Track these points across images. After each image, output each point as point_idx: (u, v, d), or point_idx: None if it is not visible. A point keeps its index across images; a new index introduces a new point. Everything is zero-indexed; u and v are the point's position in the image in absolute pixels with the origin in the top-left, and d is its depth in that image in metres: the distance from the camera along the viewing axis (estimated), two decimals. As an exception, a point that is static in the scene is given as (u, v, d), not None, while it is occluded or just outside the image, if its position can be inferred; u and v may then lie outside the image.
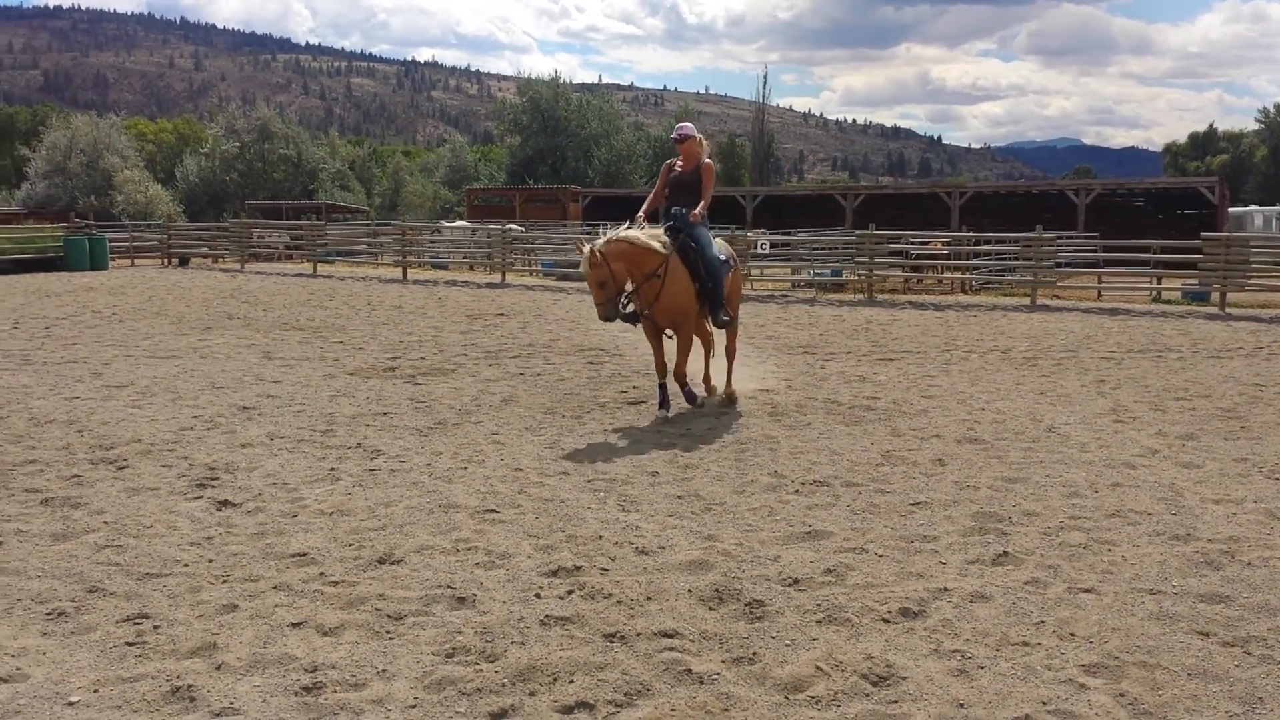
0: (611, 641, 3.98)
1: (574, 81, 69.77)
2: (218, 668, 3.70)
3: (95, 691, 3.51)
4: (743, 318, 17.23)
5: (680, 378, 8.62)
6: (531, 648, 3.90)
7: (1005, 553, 5.01)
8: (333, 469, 6.71)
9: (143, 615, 4.18)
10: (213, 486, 6.24)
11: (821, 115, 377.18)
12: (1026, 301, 19.95)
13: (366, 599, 4.38)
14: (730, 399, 9.02)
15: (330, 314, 17.18)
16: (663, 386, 8.63)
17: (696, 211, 8.55)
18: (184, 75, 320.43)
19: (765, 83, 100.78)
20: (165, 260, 33.04)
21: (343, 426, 8.05)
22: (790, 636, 4.03)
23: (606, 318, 8.35)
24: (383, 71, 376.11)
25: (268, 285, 24.11)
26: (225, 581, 4.59)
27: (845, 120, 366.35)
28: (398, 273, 27.75)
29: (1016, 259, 22.83)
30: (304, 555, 4.96)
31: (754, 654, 3.87)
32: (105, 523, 5.46)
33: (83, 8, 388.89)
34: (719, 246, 8.95)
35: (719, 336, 9.28)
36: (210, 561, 4.85)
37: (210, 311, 17.29)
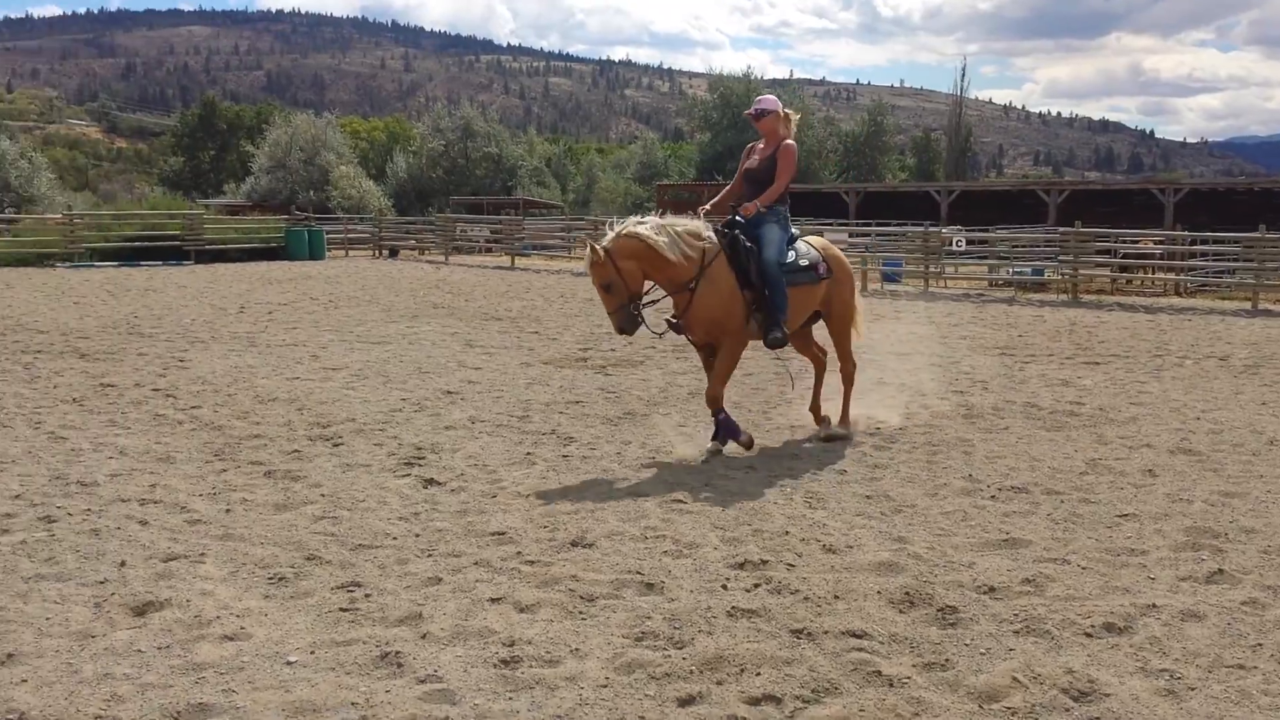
0: (799, 637, 3.97)
1: (765, 77, 69.46)
2: (423, 636, 3.90)
3: (311, 653, 3.76)
4: (936, 316, 16.80)
5: (713, 401, 6.97)
6: (719, 638, 3.94)
7: (1220, 570, 4.71)
8: (529, 453, 6.94)
9: (355, 584, 4.45)
10: (419, 465, 6.57)
11: (1023, 108, 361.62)
12: (1247, 306, 18.61)
13: (560, 579, 4.53)
14: (839, 434, 7.49)
15: (526, 305, 17.75)
16: (719, 416, 7.01)
17: (753, 204, 7.10)
18: (394, 76, 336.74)
19: (964, 75, 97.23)
20: (376, 252, 34.91)
21: (538, 413, 8.31)
22: (985, 645, 3.92)
23: (621, 329, 6.85)
24: (579, 70, 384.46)
25: (469, 277, 25.12)
26: (430, 556, 4.83)
27: (1049, 113, 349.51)
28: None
29: (1237, 260, 21.30)
30: (502, 534, 5.16)
31: (946, 660, 3.78)
32: (322, 495, 5.84)
33: (303, 12, 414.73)
34: (808, 248, 7.44)
35: (831, 356, 7.93)
36: (416, 536, 5.12)
37: (417, 301, 18.17)
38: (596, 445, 7.21)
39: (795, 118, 7.55)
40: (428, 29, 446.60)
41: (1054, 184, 44.33)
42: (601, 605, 4.24)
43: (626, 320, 6.81)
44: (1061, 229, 23.26)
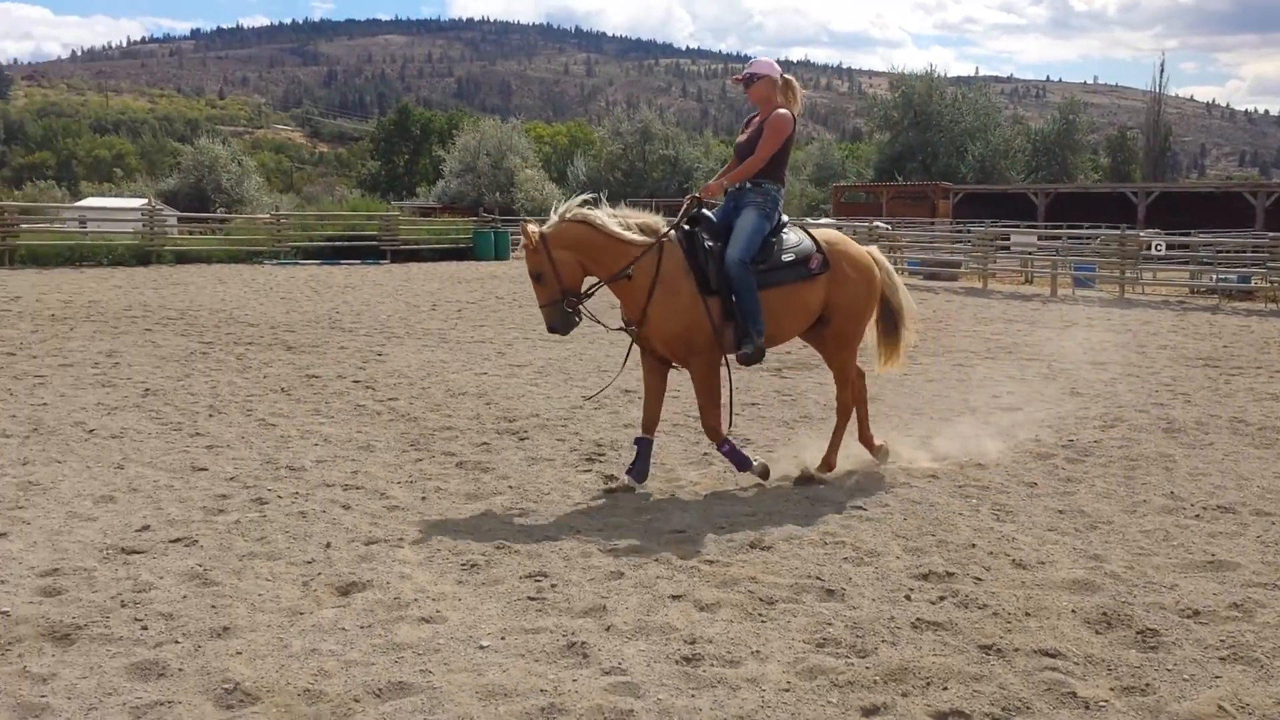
0: (987, 653, 3.86)
1: (948, 75, 67.48)
2: (607, 629, 3.99)
3: (502, 639, 3.90)
4: (1131, 324, 15.93)
5: (711, 434, 6.20)
6: (903, 649, 3.87)
7: None
8: (705, 454, 6.98)
9: (542, 573, 4.58)
10: (600, 462, 6.71)
11: (1227, 106, 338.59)
12: None
13: (739, 580, 4.54)
14: (815, 477, 6.27)
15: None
16: (641, 441, 6.17)
17: (716, 182, 6.24)
18: (576, 81, 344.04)
19: (1162, 71, 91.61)
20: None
21: (715, 415, 8.34)
22: (1189, 671, 3.71)
23: (551, 327, 6.14)
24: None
25: (644, 277, 25.41)
26: (612, 551, 4.93)
27: (1255, 111, 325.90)
28: (765, 268, 28.22)
29: None
30: (681, 533, 5.22)
31: (1147, 685, 3.60)
32: (510, 487, 6.04)
33: (492, 20, 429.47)
34: (798, 238, 6.22)
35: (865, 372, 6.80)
36: (599, 530, 5.23)
37: (597, 300, 18.49)
38: (772, 447, 7.18)
39: (798, 87, 6.34)
40: (609, 34, 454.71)
41: (1261, 186, 41.43)
42: (781, 609, 4.23)
43: (558, 318, 6.06)
44: (1270, 234, 21.71)
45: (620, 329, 6.33)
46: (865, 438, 6.68)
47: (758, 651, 3.81)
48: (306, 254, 29.23)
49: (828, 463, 6.45)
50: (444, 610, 4.17)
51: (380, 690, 3.47)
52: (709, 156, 66.27)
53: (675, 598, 4.33)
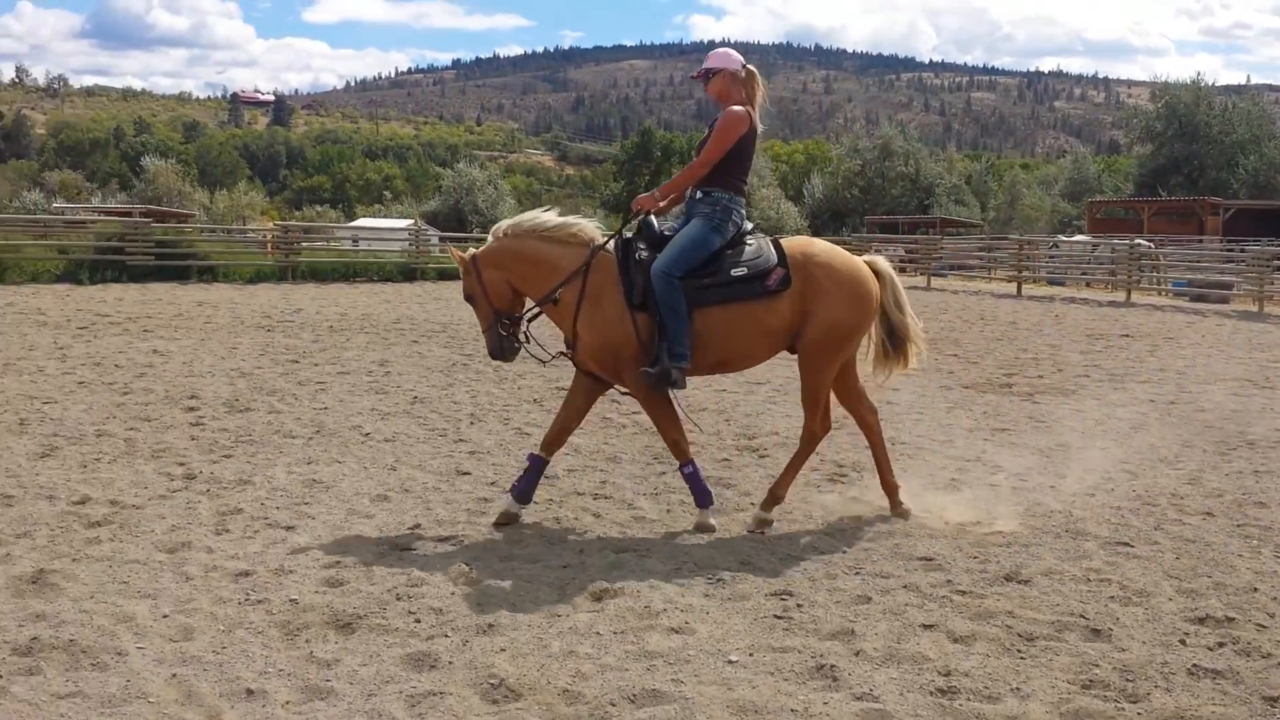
0: (1273, 706, 3.55)
1: (1217, 84, 62.48)
2: (856, 654, 3.94)
3: (750, 655, 3.93)
4: None
5: (672, 447, 5.77)
6: (1178, 695, 3.62)
7: None
8: (953, 479, 6.77)
9: (787, 592, 4.58)
10: (842, 482, 6.64)
11: None
12: None
13: (995, 614, 4.38)
14: (761, 519, 5.64)
15: (944, 326, 17.29)
16: (534, 458, 5.70)
17: (648, 195, 5.72)
18: (814, 99, 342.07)
19: None
20: (790, 270, 35.65)
21: (961, 439, 8.08)
22: None
23: (490, 353, 5.84)
24: (1003, 84, 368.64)
25: (883, 297, 24.94)
26: (858, 574, 4.87)
27: None
28: (1011, 288, 27.09)
29: None
30: (931, 560, 5.08)
31: None
32: (751, 504, 6.06)
33: (732, 42, 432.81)
34: (760, 248, 5.59)
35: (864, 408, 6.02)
36: (844, 552, 5.18)
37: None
38: (1027, 476, 6.88)
39: (760, 80, 5.75)
40: (849, 50, 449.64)
41: None
42: (1042, 646, 4.04)
43: (495, 343, 5.75)
44: None
45: (562, 354, 5.85)
46: (887, 484, 5.92)
47: (1018, 689, 3.66)
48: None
49: (774, 495, 5.74)
50: (692, 622, 4.24)
51: (635, 696, 3.56)
52: (951, 172, 64.24)
53: (927, 627, 4.22)
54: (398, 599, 4.42)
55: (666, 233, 5.63)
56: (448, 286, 25.73)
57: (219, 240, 32.60)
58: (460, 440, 7.75)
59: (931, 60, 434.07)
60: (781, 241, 5.72)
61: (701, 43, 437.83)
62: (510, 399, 9.52)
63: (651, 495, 6.26)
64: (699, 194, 5.64)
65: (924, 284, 29.38)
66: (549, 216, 5.74)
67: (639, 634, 4.10)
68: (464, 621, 4.19)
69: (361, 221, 53.09)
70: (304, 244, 29.22)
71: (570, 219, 5.79)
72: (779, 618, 4.29)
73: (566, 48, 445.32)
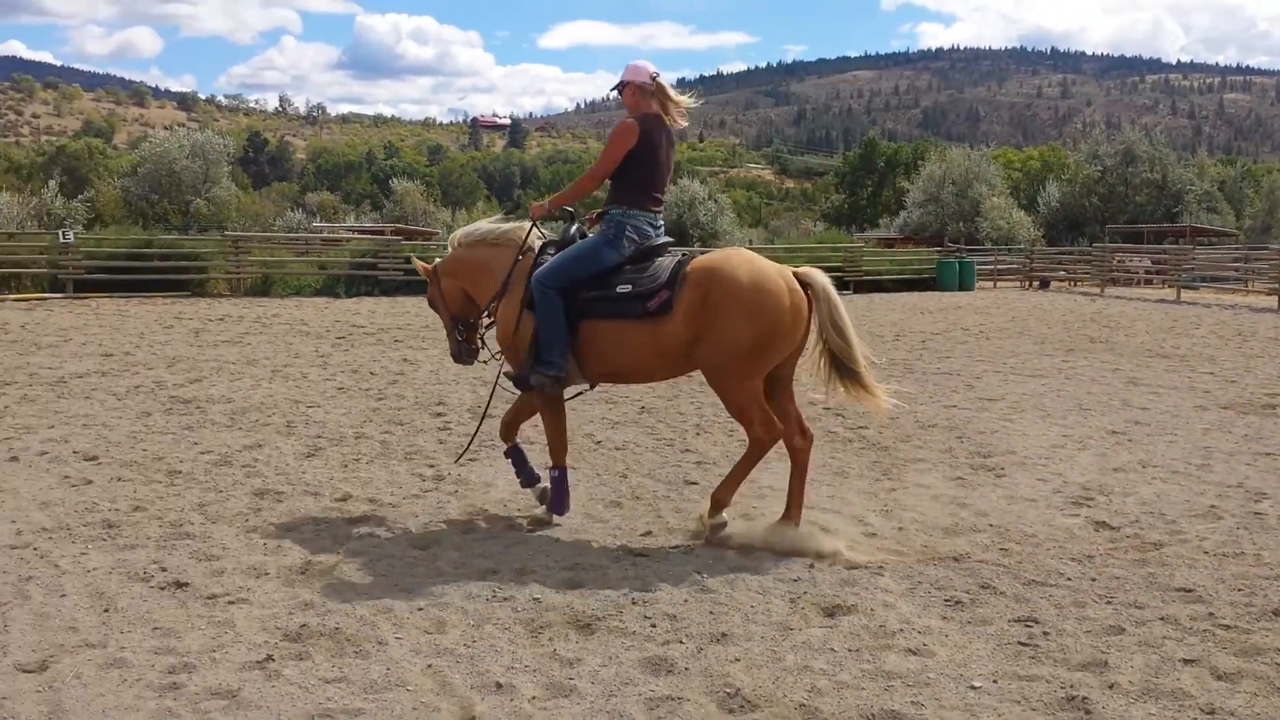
0: None
1: None
2: (1110, 686, 3.73)
3: (994, 682, 3.78)
4: None
5: (552, 453, 5.84)
6: None
7: None
8: (1213, 506, 6.29)
9: (1032, 619, 4.39)
10: (1088, 506, 6.29)
11: None
12: None
13: (1263, 650, 4.04)
14: (709, 523, 5.52)
15: (1197, 342, 16.12)
16: (511, 451, 6.02)
17: (541, 204, 5.84)
18: (1050, 104, 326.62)
19: None
20: (1026, 283, 34.11)
21: (1220, 462, 7.50)
22: None
23: (452, 356, 6.29)
24: (1260, 84, 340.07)
25: (1127, 310, 23.48)
26: (1109, 603, 4.60)
27: None
28: (1271, 301, 24.93)
29: None
30: (1189, 591, 4.74)
31: None
32: (990, 525, 5.84)
33: (961, 48, 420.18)
34: (663, 266, 5.47)
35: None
36: (1093, 580, 4.90)
37: (1071, 334, 17.41)
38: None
39: (671, 91, 5.69)
40: (1089, 53, 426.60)
41: None
42: (1323, 689, 3.70)
43: (454, 348, 6.20)
44: None
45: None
46: (790, 512, 5.56)
47: (1295, 734, 3.37)
48: (774, 285, 30.33)
49: (717, 500, 5.53)
50: (931, 644, 4.13)
51: (873, 716, 3.51)
52: (1203, 178, 59.67)
53: (1188, 662, 3.94)
54: (633, 603, 4.52)
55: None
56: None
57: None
58: (687, 450, 7.85)
59: (1179, 60, 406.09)
60: (701, 257, 5.59)
61: (929, 50, 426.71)
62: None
63: (882, 512, 6.14)
64: (552, 209, 5.87)
65: (1173, 296, 27.47)
66: (493, 225, 6.04)
67: (875, 653, 4.03)
68: (698, 629, 4.25)
69: (588, 237, 54.60)
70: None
71: (511, 225, 5.99)
72: (1024, 645, 4.12)
73: (789, 61, 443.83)
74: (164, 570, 4.87)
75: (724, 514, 5.54)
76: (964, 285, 31.25)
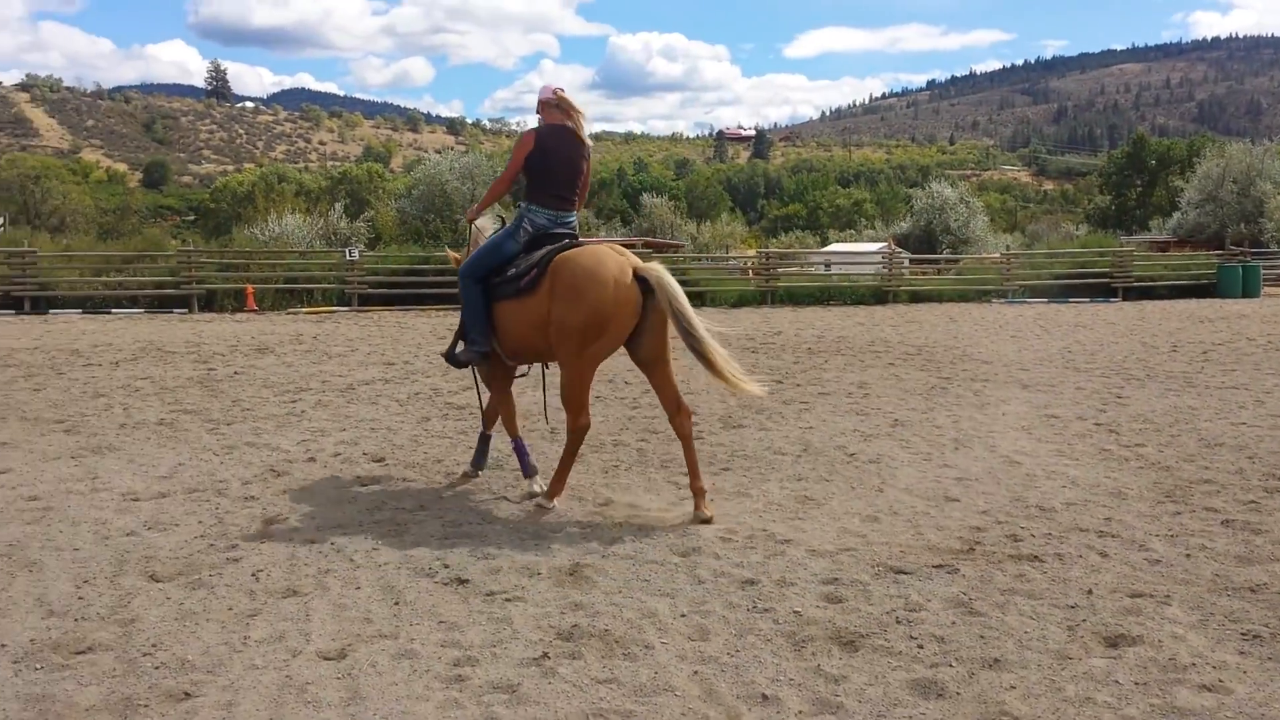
0: None
1: None
2: None
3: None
4: None
5: (506, 427, 7.08)
6: None
7: None
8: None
9: (1349, 661, 3.96)
10: None
11: None
12: None
13: None
14: (539, 503, 6.43)
15: None
16: (515, 443, 7.01)
17: (473, 208, 6.96)
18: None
19: None
20: (1323, 288, 30.88)
21: None
22: None
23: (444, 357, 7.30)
24: None
25: None
26: None
27: None
28: None
29: None
30: None
31: None
32: (1294, 556, 5.33)
33: (1240, 36, 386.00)
34: (532, 258, 6.28)
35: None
36: None
37: None
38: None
39: (570, 101, 6.49)
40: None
41: None
42: None
43: (449, 349, 7.03)
44: None
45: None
46: (695, 486, 6.17)
47: None
48: (1034, 292, 28.96)
49: (552, 489, 6.44)
50: (1227, 680, 3.81)
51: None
52: None
53: None
54: (897, 622, 4.43)
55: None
56: (921, 309, 25.44)
57: (706, 267, 34.82)
58: (945, 465, 7.60)
59: None
60: (574, 248, 6.23)
61: (1204, 40, 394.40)
62: (995, 425, 9.17)
63: (1167, 537, 5.71)
64: (478, 211, 7.00)
65: None
66: (487, 223, 7.06)
67: (1165, 687, 3.76)
68: (968, 653, 4.10)
69: (834, 246, 54.00)
70: (780, 269, 30.31)
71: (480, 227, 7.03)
72: (1340, 689, 3.73)
73: (1049, 58, 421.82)
74: (446, 567, 5.20)
75: (552, 503, 6.36)
76: (1248, 292, 28.64)
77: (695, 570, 5.13)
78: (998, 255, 33.96)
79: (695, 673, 3.92)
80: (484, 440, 7.25)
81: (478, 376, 7.20)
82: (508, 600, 4.71)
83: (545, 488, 6.51)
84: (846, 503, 6.50)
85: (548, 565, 5.22)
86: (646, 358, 6.27)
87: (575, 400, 6.19)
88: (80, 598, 4.74)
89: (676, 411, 6.24)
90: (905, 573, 5.11)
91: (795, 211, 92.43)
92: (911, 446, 8.28)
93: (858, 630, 4.32)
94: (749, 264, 34.81)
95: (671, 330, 6.15)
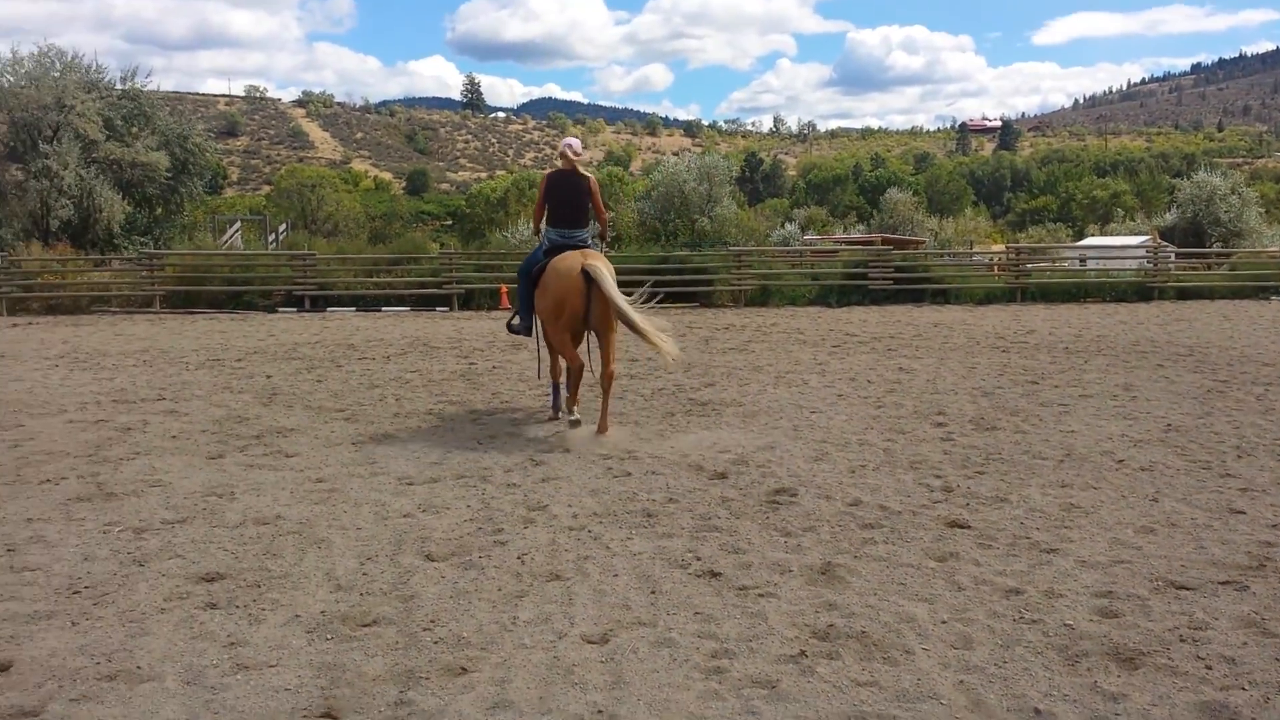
0: None
1: None
2: None
3: None
4: None
5: (551, 372, 9.85)
6: None
7: None
8: None
9: None
10: None
11: None
12: None
13: None
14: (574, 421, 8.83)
15: None
16: (553, 387, 9.79)
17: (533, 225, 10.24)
18: None
19: None
20: None
21: None
22: None
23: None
24: None
25: None
26: None
27: None
28: None
29: None
30: None
31: None
32: None
33: None
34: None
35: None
36: None
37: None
38: None
39: (564, 151, 9.07)
40: None
41: None
42: None
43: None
44: None
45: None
46: (602, 422, 8.64)
47: None
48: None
49: (571, 405, 8.87)
50: None
51: None
52: None
53: None
54: (1181, 640, 4.12)
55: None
56: (1189, 307, 23.60)
57: (949, 264, 33.65)
58: (1227, 475, 7.02)
59: None
60: (558, 255, 8.70)
61: None
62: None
63: None
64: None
65: None
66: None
67: None
68: (1263, 676, 3.78)
69: (1089, 240, 50.89)
70: (1030, 265, 28.87)
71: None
72: None
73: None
74: (698, 559, 5.27)
75: (574, 413, 8.78)
76: None
77: (954, 576, 4.97)
78: (1276, 249, 30.97)
79: (960, 681, 3.80)
80: (555, 389, 9.61)
81: (539, 342, 9.72)
82: (760, 596, 4.72)
83: (575, 415, 8.68)
84: (1117, 512, 6.12)
85: (798, 563, 5.19)
86: (596, 326, 8.66)
87: (562, 351, 8.85)
88: (364, 574, 5.11)
89: (606, 366, 8.68)
90: (1187, 588, 4.75)
91: (1045, 204, 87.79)
92: (1188, 454, 7.70)
93: (1137, 647, 4.06)
94: (995, 259, 33.34)
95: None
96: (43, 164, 28.55)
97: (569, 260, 8.49)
